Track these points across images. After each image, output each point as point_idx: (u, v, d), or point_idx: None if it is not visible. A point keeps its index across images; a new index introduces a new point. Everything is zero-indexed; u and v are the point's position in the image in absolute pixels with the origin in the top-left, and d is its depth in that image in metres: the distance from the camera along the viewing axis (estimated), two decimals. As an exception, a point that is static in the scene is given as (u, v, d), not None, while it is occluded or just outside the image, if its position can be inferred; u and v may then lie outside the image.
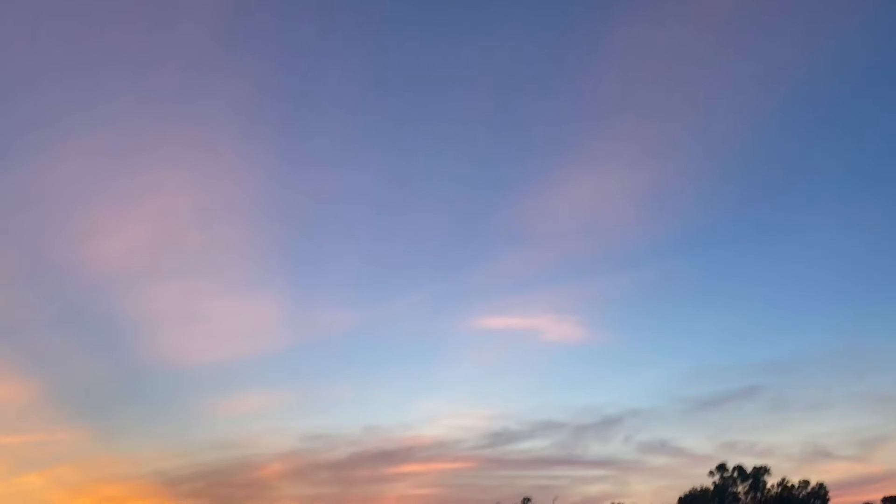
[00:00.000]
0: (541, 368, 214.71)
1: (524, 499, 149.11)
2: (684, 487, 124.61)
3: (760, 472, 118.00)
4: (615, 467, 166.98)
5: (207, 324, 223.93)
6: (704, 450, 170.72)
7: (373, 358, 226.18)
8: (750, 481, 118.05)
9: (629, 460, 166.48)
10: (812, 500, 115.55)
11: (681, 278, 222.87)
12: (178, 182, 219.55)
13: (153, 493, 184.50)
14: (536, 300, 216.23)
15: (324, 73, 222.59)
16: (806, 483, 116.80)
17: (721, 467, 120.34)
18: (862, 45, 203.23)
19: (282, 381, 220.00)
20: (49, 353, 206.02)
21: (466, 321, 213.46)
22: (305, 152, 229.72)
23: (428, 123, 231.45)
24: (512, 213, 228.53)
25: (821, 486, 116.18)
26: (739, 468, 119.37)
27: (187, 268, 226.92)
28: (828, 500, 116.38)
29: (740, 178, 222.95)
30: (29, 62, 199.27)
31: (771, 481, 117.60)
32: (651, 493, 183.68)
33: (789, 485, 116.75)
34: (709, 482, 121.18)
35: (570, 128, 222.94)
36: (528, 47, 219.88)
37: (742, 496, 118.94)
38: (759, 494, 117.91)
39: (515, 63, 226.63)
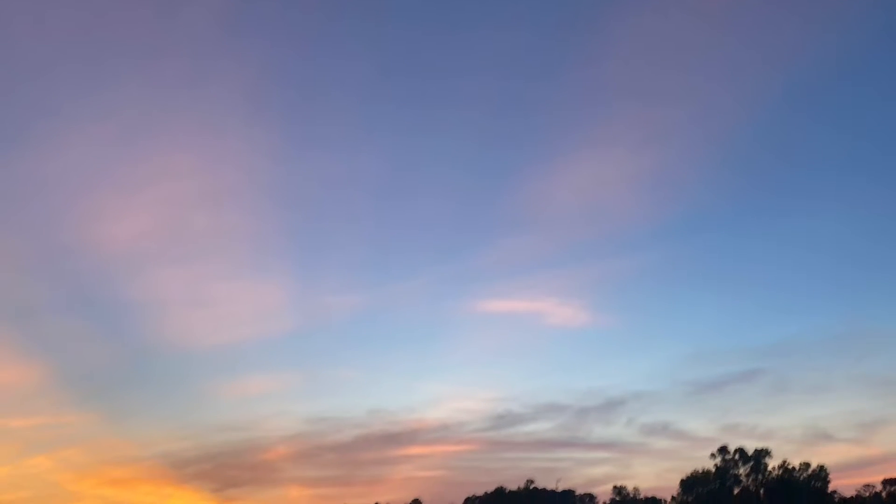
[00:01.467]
0: (544, 351, 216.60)
1: (528, 480, 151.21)
2: (686, 469, 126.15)
3: (762, 454, 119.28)
4: (618, 449, 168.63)
5: (213, 307, 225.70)
6: (706, 432, 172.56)
7: (378, 341, 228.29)
8: (751, 464, 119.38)
9: (632, 443, 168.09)
10: (813, 483, 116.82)
11: (682, 263, 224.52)
12: (183, 167, 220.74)
13: (160, 475, 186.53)
14: (539, 284, 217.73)
15: (328, 60, 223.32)
16: (807, 465, 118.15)
17: (723, 450, 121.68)
18: (861, 34, 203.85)
19: (287, 364, 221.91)
20: (56, 336, 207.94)
21: (470, 305, 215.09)
22: (310, 138, 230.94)
23: (432, 110, 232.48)
24: (515, 198, 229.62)
25: (821, 468, 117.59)
26: (741, 451, 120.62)
27: (193, 252, 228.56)
28: (828, 482, 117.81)
29: (741, 164, 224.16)
30: (35, 50, 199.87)
31: (772, 464, 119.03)
32: (653, 476, 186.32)
33: (790, 467, 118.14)
34: (710, 464, 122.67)
35: (572, 114, 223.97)
36: (531, 35, 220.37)
37: (743, 478, 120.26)
38: (760, 477, 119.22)
39: (518, 51, 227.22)
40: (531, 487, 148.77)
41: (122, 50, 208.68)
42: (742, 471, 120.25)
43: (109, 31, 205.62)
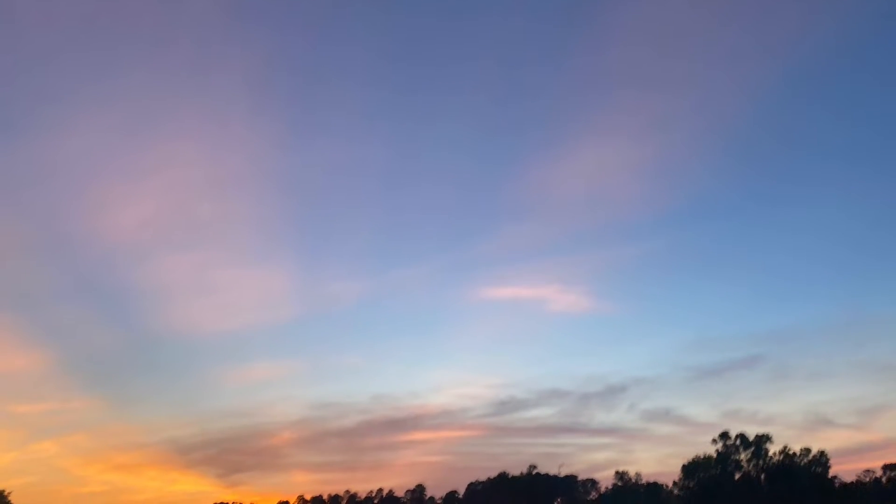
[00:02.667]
0: (546, 338, 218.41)
1: (530, 466, 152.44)
2: (688, 455, 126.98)
3: (762, 440, 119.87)
4: (620, 435, 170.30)
5: (218, 294, 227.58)
6: (707, 418, 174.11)
7: (381, 328, 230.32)
8: (752, 449, 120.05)
9: (633, 428, 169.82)
10: (813, 468, 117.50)
11: (684, 250, 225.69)
12: (189, 155, 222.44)
13: (165, 461, 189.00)
14: (542, 271, 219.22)
15: (333, 47, 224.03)
16: (807, 451, 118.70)
17: (724, 435, 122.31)
18: (861, 21, 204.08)
19: (292, 350, 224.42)
20: (63, 323, 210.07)
21: (473, 292, 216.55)
22: (314, 125, 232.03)
23: (435, 97, 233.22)
24: (518, 185, 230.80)
25: (822, 453, 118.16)
26: (742, 436, 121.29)
27: (198, 239, 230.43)
28: (829, 467, 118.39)
29: (742, 151, 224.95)
30: (41, 38, 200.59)
31: (773, 449, 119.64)
32: (655, 461, 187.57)
33: (791, 452, 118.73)
34: (712, 450, 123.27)
35: (574, 102, 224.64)
36: (534, 22, 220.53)
37: (744, 464, 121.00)
38: (761, 462, 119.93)
39: (521, 38, 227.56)
40: (533, 473, 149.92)
41: (128, 38, 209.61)
42: (743, 456, 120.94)
43: (115, 19, 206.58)
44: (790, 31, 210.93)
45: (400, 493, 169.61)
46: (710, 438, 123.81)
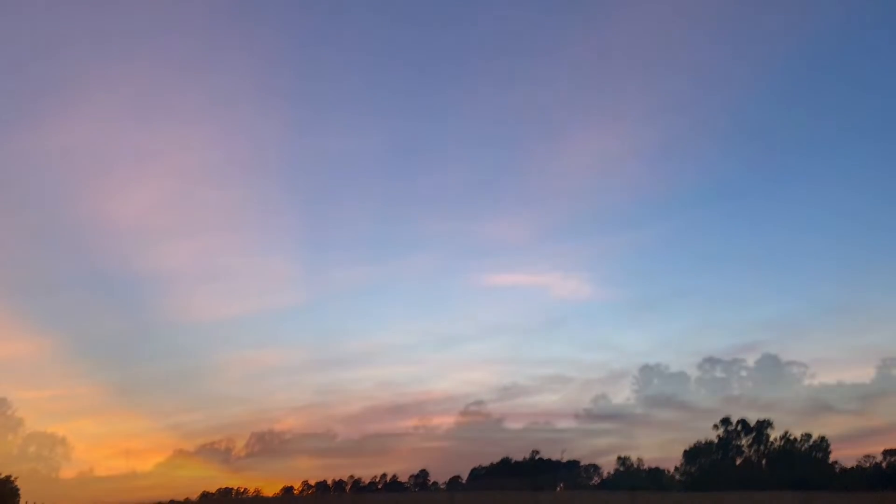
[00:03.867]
0: (549, 324, 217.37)
1: (533, 451, 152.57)
2: (689, 441, 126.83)
3: (763, 425, 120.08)
4: (622, 421, 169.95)
5: (224, 280, 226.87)
6: (709, 404, 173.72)
7: (385, 314, 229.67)
8: (753, 435, 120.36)
9: (636, 414, 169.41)
10: (814, 453, 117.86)
11: (686, 236, 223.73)
12: (195, 141, 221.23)
13: (171, 447, 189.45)
14: (545, 257, 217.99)
15: (338, 36, 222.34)
16: (808, 436, 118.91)
17: (725, 421, 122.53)
18: (872, 1, 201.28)
19: (296, 336, 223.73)
20: (69, 309, 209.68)
21: (477, 278, 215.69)
22: (321, 112, 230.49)
23: (438, 86, 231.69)
24: (521, 171, 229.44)
25: (822, 439, 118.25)
26: (743, 422, 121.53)
27: (204, 225, 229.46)
28: (829, 452, 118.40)
29: (749, 137, 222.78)
30: (48, 23, 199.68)
31: (774, 435, 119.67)
32: (657, 447, 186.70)
33: (791, 438, 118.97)
34: (713, 435, 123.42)
35: (578, 87, 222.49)
36: (537, 6, 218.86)
37: (746, 449, 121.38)
38: (762, 447, 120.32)
39: (524, 21, 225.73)
40: (536, 458, 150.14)
41: (135, 22, 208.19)
42: (744, 442, 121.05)
43: (122, 3, 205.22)
44: (800, 9, 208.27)
45: (404, 478, 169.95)
46: (712, 424, 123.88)
